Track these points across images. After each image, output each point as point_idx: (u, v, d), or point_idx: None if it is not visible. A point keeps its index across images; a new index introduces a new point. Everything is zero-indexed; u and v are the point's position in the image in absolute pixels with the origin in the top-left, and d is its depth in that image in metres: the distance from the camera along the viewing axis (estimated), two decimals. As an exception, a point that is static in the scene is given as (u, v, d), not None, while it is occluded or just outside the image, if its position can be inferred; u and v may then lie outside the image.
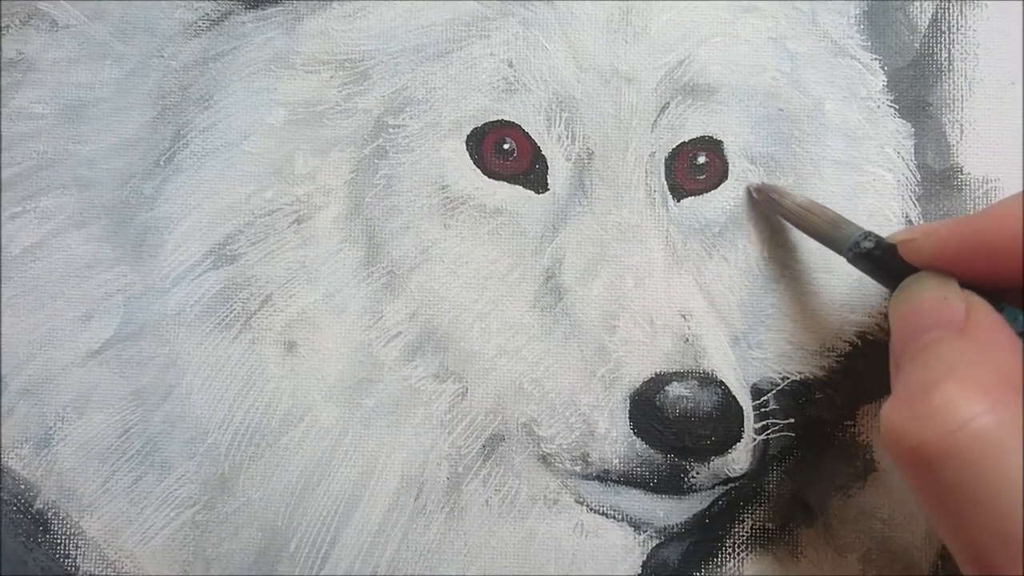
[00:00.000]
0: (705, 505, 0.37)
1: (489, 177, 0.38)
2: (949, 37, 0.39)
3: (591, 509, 0.37)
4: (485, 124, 0.38)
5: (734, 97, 0.38)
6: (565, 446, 0.36)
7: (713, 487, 0.37)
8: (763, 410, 0.37)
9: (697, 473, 0.36)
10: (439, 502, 0.37)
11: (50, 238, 0.39)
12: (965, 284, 0.30)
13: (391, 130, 0.38)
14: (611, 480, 0.36)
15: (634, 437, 0.35)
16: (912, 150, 0.39)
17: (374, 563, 0.37)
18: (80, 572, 0.37)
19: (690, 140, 0.38)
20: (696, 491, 0.36)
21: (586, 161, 0.38)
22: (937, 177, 0.39)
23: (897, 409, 0.27)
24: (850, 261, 0.34)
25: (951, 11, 0.39)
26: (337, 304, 0.38)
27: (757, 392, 0.38)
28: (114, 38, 0.40)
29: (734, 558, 0.37)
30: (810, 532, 0.38)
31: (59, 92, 0.39)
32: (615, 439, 0.36)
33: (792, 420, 0.38)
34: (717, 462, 0.36)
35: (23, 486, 0.38)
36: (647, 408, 0.35)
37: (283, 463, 0.37)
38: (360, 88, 0.38)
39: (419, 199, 0.38)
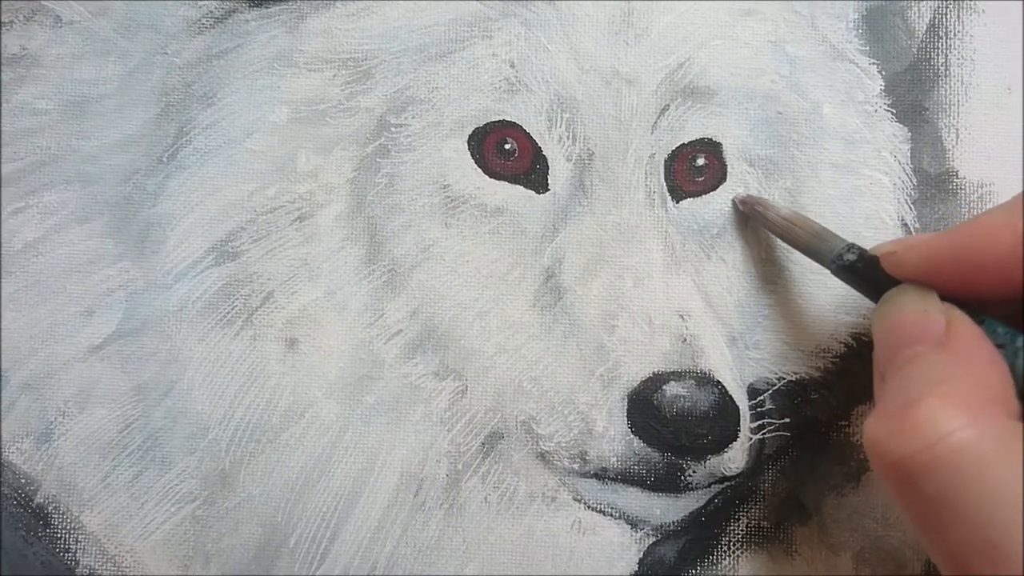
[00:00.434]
0: (701, 503, 0.38)
1: (490, 177, 0.39)
2: (946, 42, 0.40)
3: (589, 507, 0.38)
4: (487, 124, 0.39)
5: (733, 100, 0.39)
6: (563, 444, 0.37)
7: (709, 486, 0.37)
8: (759, 410, 0.38)
9: (694, 472, 0.37)
10: (438, 499, 0.38)
11: (53, 233, 0.39)
12: (945, 297, 0.31)
13: (393, 129, 0.39)
14: (609, 478, 0.37)
15: (632, 435, 0.36)
16: (908, 154, 0.40)
17: (373, 559, 0.38)
18: (80, 566, 0.38)
19: (689, 142, 0.39)
20: (692, 489, 0.37)
21: (586, 162, 0.39)
22: (933, 181, 0.40)
23: (880, 423, 0.28)
24: (833, 273, 0.35)
25: (949, 17, 0.40)
26: (338, 301, 0.39)
27: (753, 392, 0.38)
28: (118, 35, 0.40)
29: (730, 556, 0.38)
30: (804, 531, 0.38)
31: (62, 88, 0.40)
32: (613, 437, 0.36)
33: (788, 420, 0.38)
34: (713, 461, 0.36)
35: (24, 480, 0.38)
36: (645, 407, 0.36)
37: (283, 459, 0.38)
38: (363, 87, 0.39)
39: (420, 198, 0.39)
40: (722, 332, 0.38)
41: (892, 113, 0.40)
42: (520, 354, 0.38)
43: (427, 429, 0.38)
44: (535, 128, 0.39)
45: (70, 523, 0.38)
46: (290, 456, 0.38)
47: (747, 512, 0.38)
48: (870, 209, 0.40)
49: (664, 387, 0.36)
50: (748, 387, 0.38)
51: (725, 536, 0.38)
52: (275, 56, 0.40)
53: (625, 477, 0.37)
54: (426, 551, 0.38)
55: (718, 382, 0.36)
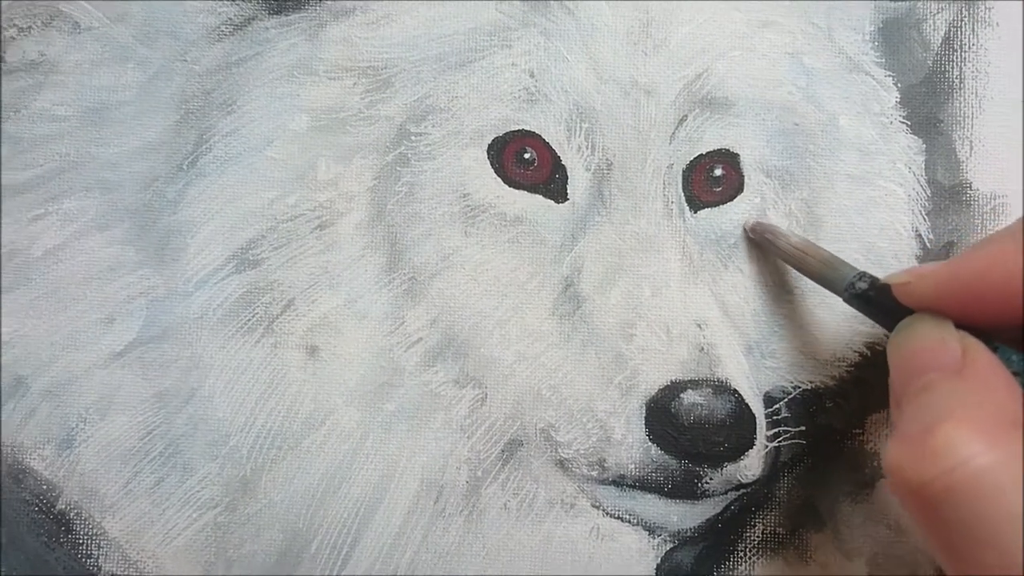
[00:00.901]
0: (718, 510, 0.39)
1: (510, 186, 0.40)
2: (961, 56, 0.41)
3: (607, 513, 0.39)
4: (506, 133, 0.39)
5: (751, 111, 0.40)
6: (582, 451, 0.38)
7: (726, 492, 0.38)
8: (775, 418, 0.39)
9: (710, 479, 0.37)
10: (458, 505, 0.39)
11: (73, 240, 0.40)
12: (960, 325, 0.32)
13: (413, 138, 0.40)
14: (627, 485, 0.38)
15: (649, 443, 0.37)
16: (923, 165, 0.41)
17: (394, 565, 0.39)
18: (102, 572, 0.39)
19: (707, 152, 0.40)
20: (709, 496, 0.38)
21: (605, 172, 0.39)
22: (946, 192, 0.41)
23: (899, 449, 0.29)
24: (846, 301, 0.36)
25: (964, 30, 0.41)
26: (359, 309, 0.39)
27: (769, 400, 0.39)
28: (137, 41, 0.41)
29: (746, 562, 0.39)
30: (819, 537, 0.40)
31: (81, 94, 0.41)
32: (631, 445, 0.37)
33: (803, 428, 0.39)
34: (730, 468, 0.37)
35: (45, 487, 0.39)
36: (662, 415, 0.37)
37: (304, 466, 0.39)
38: (383, 96, 0.40)
39: (440, 207, 0.39)
40: (739, 341, 0.39)
41: (907, 125, 0.41)
42: (539, 362, 0.39)
43: (447, 436, 0.39)
44: (554, 138, 0.39)
45: (92, 529, 0.39)
46: (311, 463, 0.39)
47: (763, 518, 0.40)
48: (885, 220, 0.41)
49: (682, 395, 0.37)
50: (764, 395, 0.39)
51: (741, 542, 0.39)
52: (295, 64, 0.40)
53: (643, 484, 0.38)
54: (446, 557, 0.39)
55: (735, 390, 0.37)
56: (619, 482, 0.38)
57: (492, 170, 0.40)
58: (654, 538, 0.39)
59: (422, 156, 0.40)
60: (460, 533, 0.39)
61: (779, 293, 0.40)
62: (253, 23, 0.41)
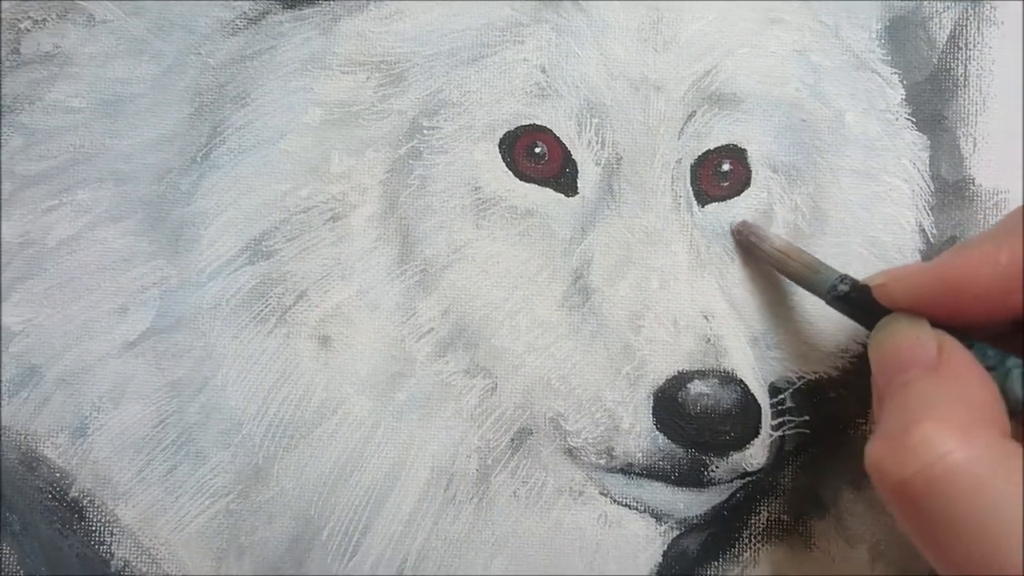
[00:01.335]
0: (724, 498, 0.40)
1: (521, 180, 0.40)
2: (966, 54, 0.42)
3: (615, 501, 0.40)
4: (517, 128, 0.40)
5: (759, 107, 0.41)
6: (591, 440, 0.39)
7: (731, 481, 0.39)
8: (780, 408, 0.40)
9: (716, 467, 0.39)
10: (468, 493, 0.40)
11: (87, 231, 0.41)
12: (936, 323, 0.33)
13: (425, 132, 0.40)
14: (634, 473, 0.39)
15: (657, 432, 0.38)
16: (927, 162, 0.42)
17: (404, 551, 0.40)
18: (115, 559, 0.40)
19: (715, 148, 0.41)
20: (715, 484, 0.39)
21: (615, 166, 0.40)
22: (950, 188, 0.42)
23: (880, 446, 0.31)
24: (828, 303, 0.37)
25: (969, 29, 0.42)
26: (371, 300, 0.40)
27: (774, 391, 0.41)
28: (151, 34, 0.41)
29: (750, 548, 0.40)
30: (823, 524, 0.41)
31: (96, 87, 0.41)
32: (639, 434, 0.38)
33: (807, 418, 0.41)
34: (735, 457, 0.38)
35: (59, 474, 0.40)
36: (670, 405, 0.38)
37: (316, 454, 0.40)
38: (395, 90, 0.41)
39: (452, 200, 0.40)
40: (745, 332, 0.40)
41: (912, 122, 0.42)
42: (549, 353, 0.40)
43: (458, 425, 0.40)
44: (565, 133, 0.40)
45: (105, 516, 0.40)
46: (323, 451, 0.40)
47: (767, 506, 0.41)
48: (889, 215, 0.42)
49: (688, 385, 0.38)
50: (769, 386, 0.41)
51: (746, 529, 0.41)
52: (308, 58, 0.41)
53: (650, 472, 0.39)
54: (456, 544, 0.40)
55: (741, 381, 0.38)
56: (627, 470, 0.39)
57: (503, 164, 0.40)
58: (661, 525, 0.40)
59: (434, 150, 0.40)
60: (470, 521, 0.40)
61: (784, 286, 0.41)
62: (267, 17, 0.41)
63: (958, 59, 0.42)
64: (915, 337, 0.33)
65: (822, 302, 0.41)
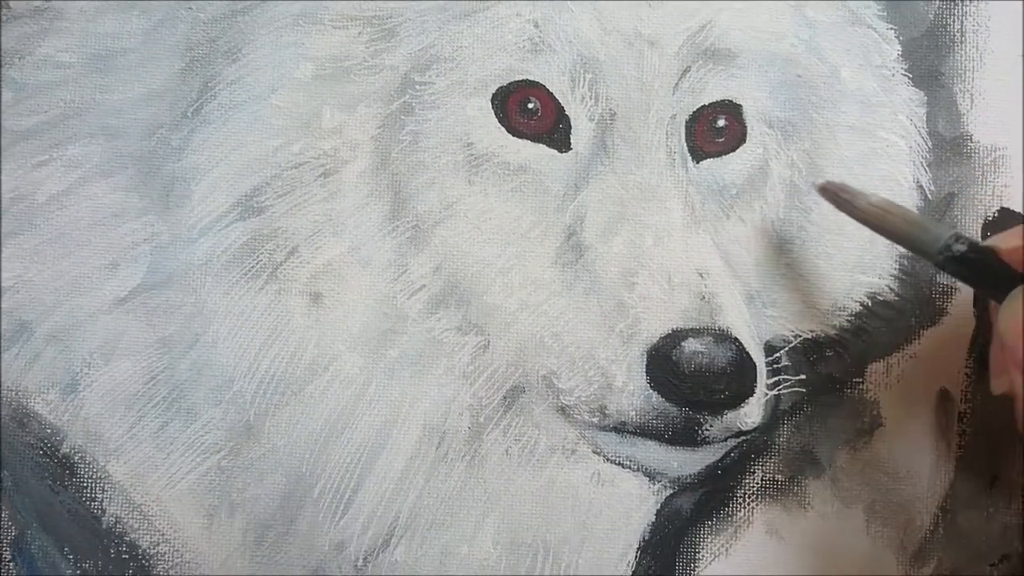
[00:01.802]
0: (718, 457, 0.40)
1: (513, 135, 0.41)
2: (962, 9, 0.42)
3: (608, 459, 0.40)
4: (510, 83, 0.41)
5: (754, 62, 0.41)
6: (583, 398, 0.39)
7: (726, 440, 0.40)
8: (775, 366, 0.41)
9: (711, 426, 0.39)
10: (460, 451, 0.40)
11: (77, 187, 0.41)
12: None
13: (417, 87, 0.41)
14: (627, 432, 0.39)
15: (650, 390, 0.38)
16: (924, 118, 0.42)
17: (396, 509, 0.40)
18: (107, 515, 0.40)
19: (710, 103, 0.41)
20: (709, 443, 0.39)
21: (608, 122, 0.40)
22: (947, 144, 0.42)
23: None
24: (938, 265, 0.35)
25: (965, -17, 0.43)
26: (362, 257, 0.40)
27: (770, 349, 0.41)
28: (142, -11, 0.42)
29: (744, 508, 0.41)
30: (818, 484, 0.41)
31: (86, 41, 0.42)
32: (632, 392, 0.38)
33: (803, 376, 0.41)
34: (730, 416, 0.39)
35: (49, 431, 0.40)
36: (663, 363, 0.38)
37: (308, 411, 0.40)
38: (387, 45, 0.41)
39: (444, 155, 0.41)
40: (740, 290, 0.41)
41: (909, 78, 0.42)
42: (542, 310, 0.40)
43: (450, 383, 0.40)
44: (558, 88, 0.40)
45: (96, 473, 0.40)
46: (314, 408, 0.40)
47: (762, 465, 0.41)
48: (886, 171, 0.42)
49: (683, 343, 0.38)
50: (765, 344, 0.41)
51: (740, 489, 0.41)
52: (300, 13, 0.41)
53: (643, 431, 0.39)
54: (448, 502, 0.40)
55: (736, 339, 0.38)
56: (620, 429, 0.39)
57: (496, 120, 0.41)
58: (654, 484, 0.40)
59: (426, 105, 0.41)
60: (462, 478, 0.40)
61: (780, 243, 0.41)
62: (258, -29, 0.42)
63: (954, 14, 0.42)
64: None
65: (819, 259, 0.41)
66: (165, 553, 0.40)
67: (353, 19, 0.41)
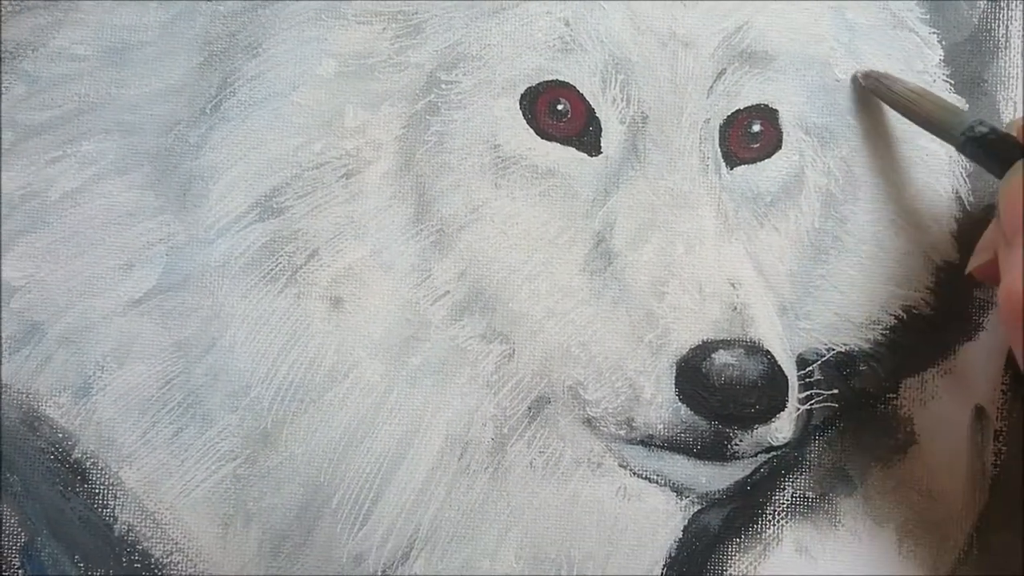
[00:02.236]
0: (747, 472, 0.40)
1: (542, 138, 0.40)
2: (1008, 14, 0.41)
3: (634, 473, 0.40)
4: (539, 84, 0.40)
5: (791, 66, 0.40)
6: (610, 410, 0.39)
7: (756, 455, 0.39)
8: (808, 380, 0.40)
9: (740, 440, 0.38)
10: (483, 462, 0.39)
11: (91, 184, 0.40)
12: None
13: (444, 86, 0.40)
14: (655, 445, 0.39)
15: (679, 403, 0.38)
16: (966, 126, 0.41)
17: (416, 521, 0.39)
18: (119, 522, 0.39)
19: (745, 108, 0.40)
20: (739, 458, 0.39)
21: (640, 125, 0.40)
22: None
23: (1019, 280, 0.31)
24: (959, 147, 0.36)
25: (1012, -12, 0.42)
26: (385, 261, 0.40)
27: (802, 362, 0.40)
28: (160, -20, 0.41)
29: (774, 525, 0.40)
30: (849, 502, 0.40)
31: (101, 33, 0.41)
32: (660, 404, 0.38)
33: (836, 391, 0.40)
34: (761, 430, 0.38)
35: (61, 435, 0.39)
36: (693, 375, 0.37)
37: (327, 419, 0.39)
38: (413, 41, 0.40)
39: (470, 157, 0.40)
40: (773, 301, 0.40)
41: (951, 84, 0.42)
42: (569, 319, 0.39)
43: (473, 392, 0.40)
44: (589, 89, 0.40)
45: (108, 479, 0.39)
46: (333, 416, 0.39)
47: (792, 482, 0.40)
48: (924, 180, 0.41)
49: (713, 355, 0.37)
50: (797, 357, 0.40)
51: (770, 505, 0.40)
52: (322, 7, 0.40)
53: (671, 444, 0.38)
54: (470, 514, 0.39)
55: (767, 351, 0.38)
56: (647, 442, 0.39)
57: (524, 121, 0.40)
58: (682, 499, 0.40)
59: (452, 105, 0.40)
60: (484, 490, 0.39)
61: (815, 253, 0.41)
62: (280, -37, 0.41)
63: (999, 19, 0.42)
64: None
65: (854, 271, 0.41)
66: (178, 562, 0.39)
67: (378, 14, 0.40)
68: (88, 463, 0.39)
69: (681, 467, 0.39)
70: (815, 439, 0.40)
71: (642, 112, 0.40)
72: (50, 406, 0.40)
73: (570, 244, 0.40)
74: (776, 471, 0.40)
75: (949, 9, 0.42)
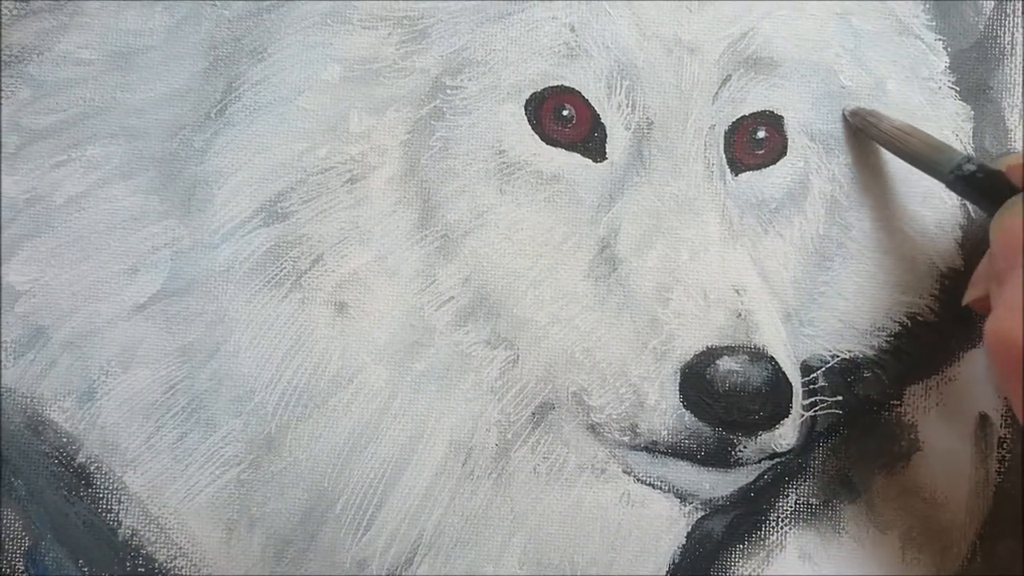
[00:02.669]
0: (751, 479, 0.40)
1: (547, 143, 0.40)
2: (1014, 21, 0.42)
3: (638, 479, 0.40)
4: (545, 89, 0.40)
5: (796, 72, 0.41)
6: (614, 416, 0.39)
7: (760, 461, 0.39)
8: (812, 387, 0.40)
9: (744, 447, 0.38)
10: (487, 468, 0.40)
11: (96, 188, 0.40)
12: None
13: (449, 91, 0.40)
14: (659, 451, 0.39)
15: (683, 409, 0.38)
16: (971, 132, 0.42)
17: (420, 527, 0.40)
18: (123, 527, 0.40)
19: (751, 114, 0.41)
20: (743, 465, 0.39)
21: (645, 131, 0.40)
22: (994, 160, 0.41)
23: (1005, 319, 0.32)
24: (949, 184, 0.37)
25: (1018, -5, 0.42)
26: (389, 266, 0.40)
27: (807, 369, 0.40)
28: (165, -16, 0.41)
29: (777, 532, 0.40)
30: (853, 508, 0.41)
31: (107, 38, 0.41)
32: (664, 411, 0.38)
33: (840, 398, 0.40)
34: (764, 437, 0.38)
35: (65, 439, 0.40)
36: (697, 381, 0.38)
37: (331, 424, 0.40)
38: (418, 47, 0.40)
39: (475, 163, 0.40)
40: (777, 308, 0.40)
41: (956, 91, 0.42)
42: (573, 325, 0.40)
43: (477, 398, 0.40)
44: (594, 95, 0.40)
45: (113, 483, 0.40)
46: (338, 421, 0.40)
47: (796, 488, 0.41)
48: (930, 188, 0.41)
49: (717, 362, 0.37)
50: (801, 364, 0.40)
51: (773, 512, 0.40)
52: (328, 12, 0.41)
53: (675, 451, 0.39)
54: (474, 520, 0.40)
55: (772, 358, 0.38)
56: (651, 448, 0.39)
57: (529, 127, 0.40)
58: (685, 505, 0.40)
59: (457, 110, 0.40)
60: (488, 496, 0.40)
61: (820, 260, 0.41)
62: (285, -32, 0.41)
63: (1005, 26, 0.42)
64: None
65: (859, 278, 0.41)
66: (182, 567, 0.39)
67: (383, 19, 0.40)
68: (92, 467, 0.40)
69: (685, 473, 0.39)
70: (819, 446, 0.41)
71: (647, 118, 0.40)
72: (54, 410, 0.40)
73: (575, 250, 0.40)
74: (780, 478, 0.40)
75: (955, 15, 0.42)
